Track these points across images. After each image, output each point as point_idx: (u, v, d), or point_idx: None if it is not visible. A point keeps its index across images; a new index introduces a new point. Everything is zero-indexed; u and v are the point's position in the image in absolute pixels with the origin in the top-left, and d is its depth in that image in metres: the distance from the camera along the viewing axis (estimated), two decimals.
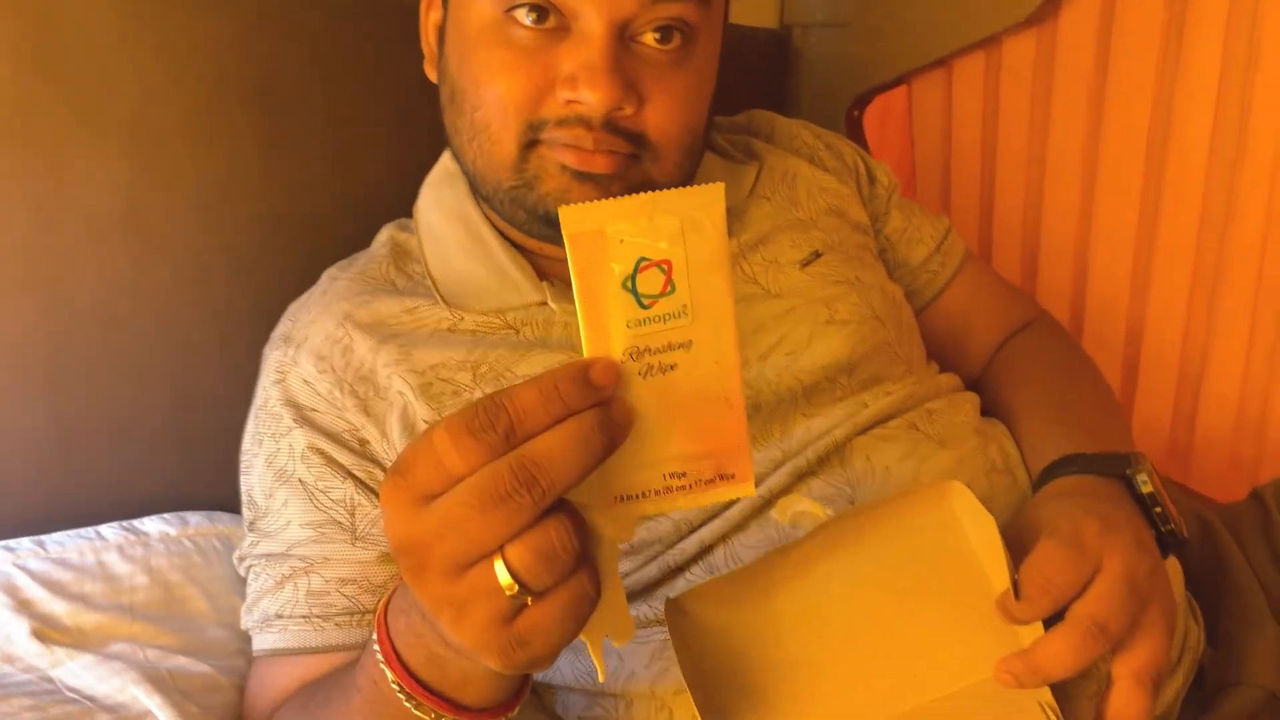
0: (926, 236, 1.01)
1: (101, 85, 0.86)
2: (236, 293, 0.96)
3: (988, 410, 0.90)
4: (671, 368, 0.48)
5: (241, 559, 0.82)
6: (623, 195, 0.76)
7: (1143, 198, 1.18)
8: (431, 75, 0.84)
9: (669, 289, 0.48)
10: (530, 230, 0.81)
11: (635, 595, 0.76)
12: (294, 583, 0.77)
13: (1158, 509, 0.70)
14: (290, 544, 0.78)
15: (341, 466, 0.78)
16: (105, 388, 0.91)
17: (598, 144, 0.73)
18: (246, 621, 0.80)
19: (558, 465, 0.45)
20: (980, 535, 0.63)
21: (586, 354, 0.48)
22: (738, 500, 0.75)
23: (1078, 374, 0.95)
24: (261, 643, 0.78)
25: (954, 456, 0.79)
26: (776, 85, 1.44)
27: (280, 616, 0.77)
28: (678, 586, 0.75)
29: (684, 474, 0.50)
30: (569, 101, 0.73)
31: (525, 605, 0.47)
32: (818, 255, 0.87)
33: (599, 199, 0.48)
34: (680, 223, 0.48)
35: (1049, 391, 0.90)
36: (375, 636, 0.57)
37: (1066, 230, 1.25)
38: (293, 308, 0.87)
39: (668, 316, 0.48)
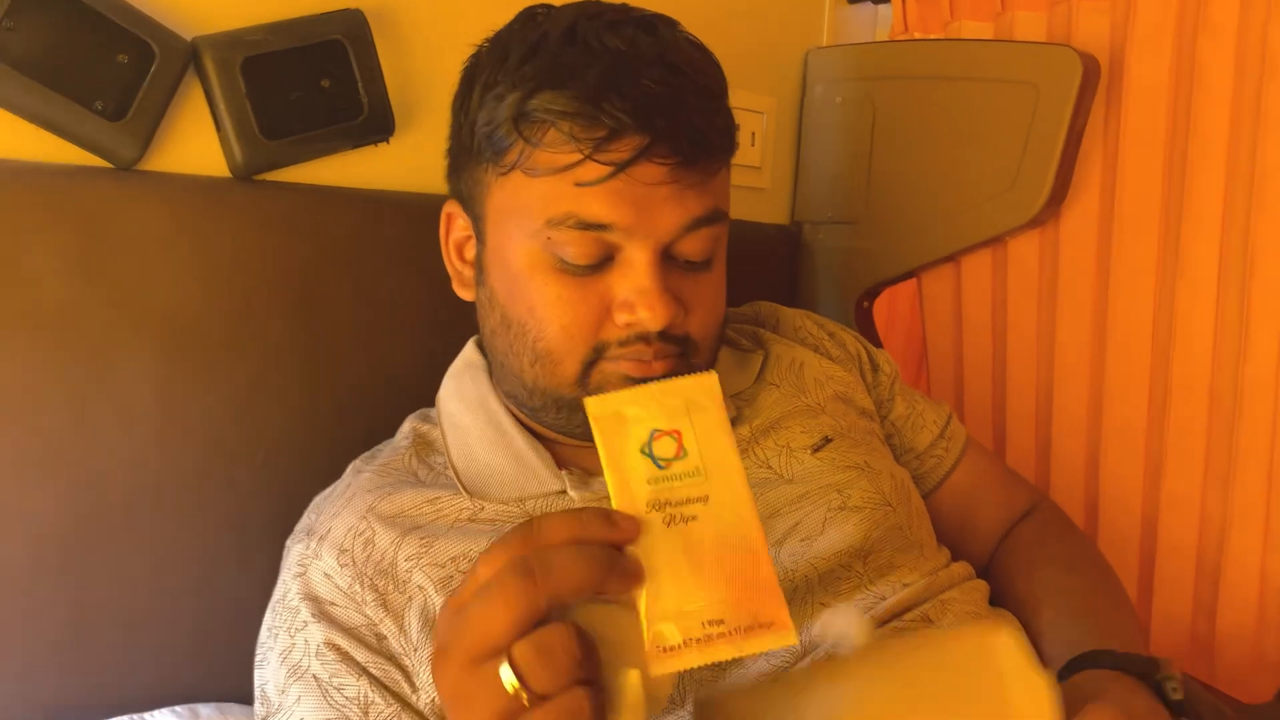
0: (930, 422, 1.03)
1: (143, 287, 0.90)
2: (260, 486, 0.97)
3: (995, 598, 0.91)
4: (693, 519, 0.53)
5: None
6: None
7: (1151, 388, 1.20)
8: (464, 295, 0.89)
9: (681, 453, 0.55)
10: (568, 432, 0.85)
11: None
12: None
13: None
14: None
15: (357, 663, 0.77)
16: (124, 576, 0.92)
17: (656, 354, 0.79)
18: None
19: (557, 564, 0.50)
20: (1025, 691, 0.62)
21: (614, 506, 0.54)
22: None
23: (1087, 563, 0.97)
24: None
25: None
26: (789, 278, 1.49)
27: None
28: None
29: (722, 620, 0.52)
30: (628, 324, 0.78)
31: (524, 708, 0.49)
32: (828, 441, 0.89)
33: None
34: (684, 402, 0.55)
35: (1063, 582, 0.92)
36: None
37: (1077, 420, 1.26)
38: (317, 501, 0.88)
39: (683, 475, 0.54)
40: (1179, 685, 0.71)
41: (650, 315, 0.77)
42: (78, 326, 0.88)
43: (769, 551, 0.54)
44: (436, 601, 0.78)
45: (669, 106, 0.76)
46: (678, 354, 0.81)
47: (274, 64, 0.94)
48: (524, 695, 0.49)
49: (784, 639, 0.52)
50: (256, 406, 0.96)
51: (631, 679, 0.52)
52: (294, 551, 0.84)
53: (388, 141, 1.03)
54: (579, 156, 0.75)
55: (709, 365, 0.85)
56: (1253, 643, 1.13)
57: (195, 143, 0.94)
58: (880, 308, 1.51)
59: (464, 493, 0.83)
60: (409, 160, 1.06)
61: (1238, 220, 1.13)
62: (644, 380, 0.78)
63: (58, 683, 0.90)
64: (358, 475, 0.88)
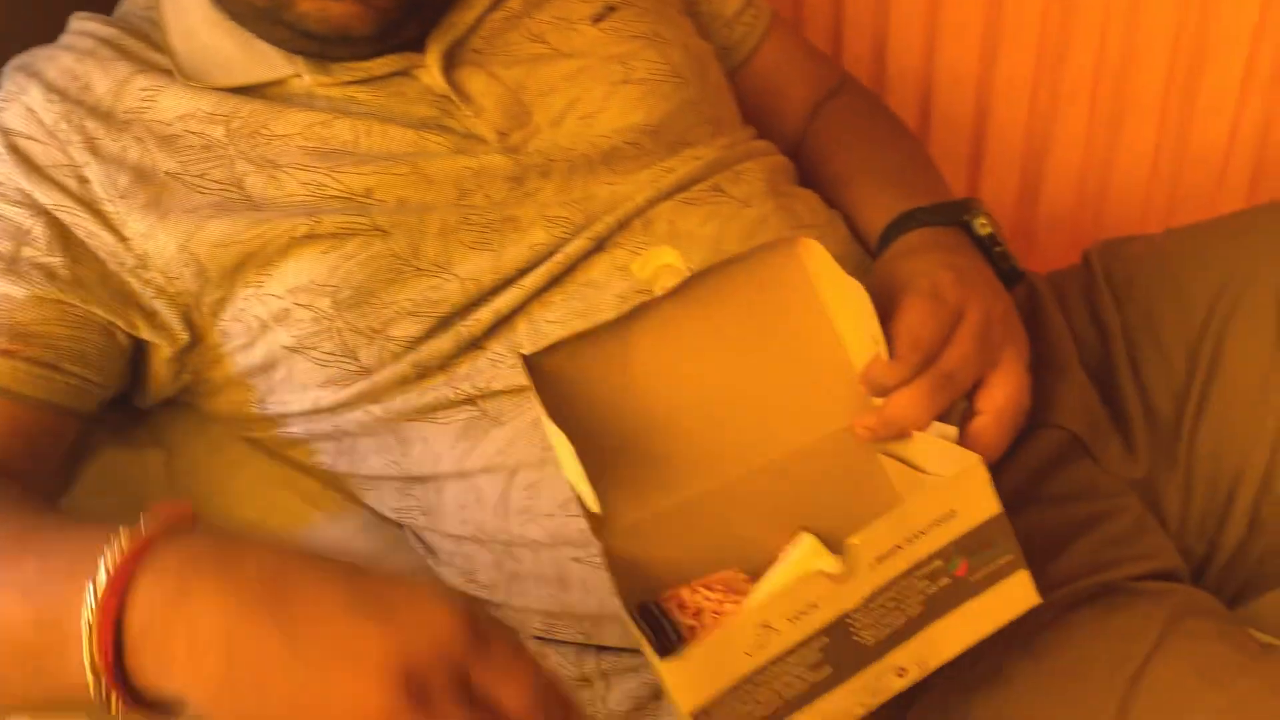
0: None
1: None
2: None
3: (805, 178, 0.88)
4: None
5: None
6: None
7: None
8: None
9: None
10: (293, 46, 0.75)
11: (432, 371, 0.72)
12: None
13: (998, 248, 0.74)
14: None
15: (36, 203, 0.72)
16: None
17: None
18: None
19: None
20: (836, 292, 0.65)
21: None
22: (536, 265, 0.73)
23: (897, 136, 0.94)
24: None
25: (758, 215, 0.77)
26: None
27: None
28: (480, 367, 0.72)
29: None
30: None
31: None
32: (611, 10, 0.82)
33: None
34: None
35: (875, 156, 0.90)
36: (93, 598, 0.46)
37: (916, 3, 1.21)
38: (31, 51, 0.79)
39: None
40: (985, 220, 0.74)
41: None
42: None
43: None
44: (158, 158, 0.72)
45: None
46: None
47: None
48: None
49: None
50: None
51: None
52: None
53: None
54: None
55: None
56: (1070, 224, 1.15)
57: None
58: None
59: (178, 77, 0.75)
60: None
61: None
62: None
63: None
64: (81, 21, 0.79)
